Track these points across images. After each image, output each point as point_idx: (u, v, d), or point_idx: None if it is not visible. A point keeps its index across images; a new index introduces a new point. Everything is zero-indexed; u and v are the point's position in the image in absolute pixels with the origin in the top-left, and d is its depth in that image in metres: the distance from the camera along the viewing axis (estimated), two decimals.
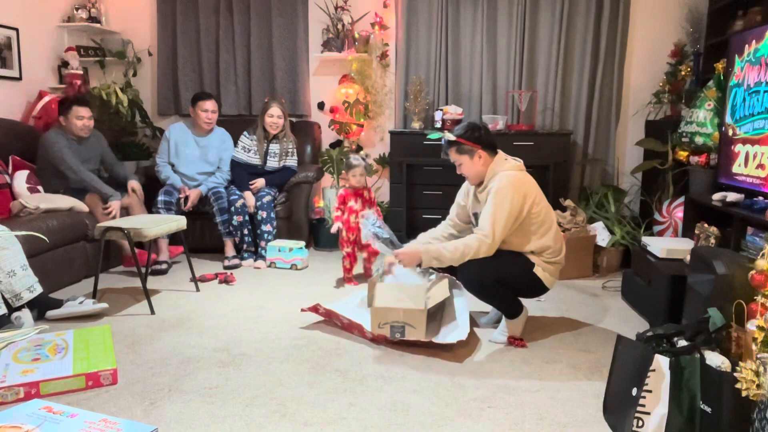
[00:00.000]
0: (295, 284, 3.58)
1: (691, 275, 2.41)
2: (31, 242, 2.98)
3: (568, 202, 3.84)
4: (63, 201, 3.55)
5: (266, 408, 2.05)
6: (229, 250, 4.02)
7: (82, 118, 3.70)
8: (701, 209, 3.25)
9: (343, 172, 3.71)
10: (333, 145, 4.76)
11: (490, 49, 4.53)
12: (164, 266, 3.79)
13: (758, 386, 1.57)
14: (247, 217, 4.00)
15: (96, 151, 3.90)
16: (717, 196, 3.05)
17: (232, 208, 3.97)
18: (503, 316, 2.68)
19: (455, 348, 2.56)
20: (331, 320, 2.87)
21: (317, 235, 4.49)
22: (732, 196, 2.98)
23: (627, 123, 4.60)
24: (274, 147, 4.22)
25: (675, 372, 1.78)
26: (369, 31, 4.60)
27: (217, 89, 4.79)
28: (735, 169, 3.10)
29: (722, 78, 3.44)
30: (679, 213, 3.70)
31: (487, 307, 2.92)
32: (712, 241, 2.86)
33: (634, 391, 1.81)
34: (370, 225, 2.74)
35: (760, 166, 2.85)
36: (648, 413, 1.80)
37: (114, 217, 3.58)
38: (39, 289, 2.82)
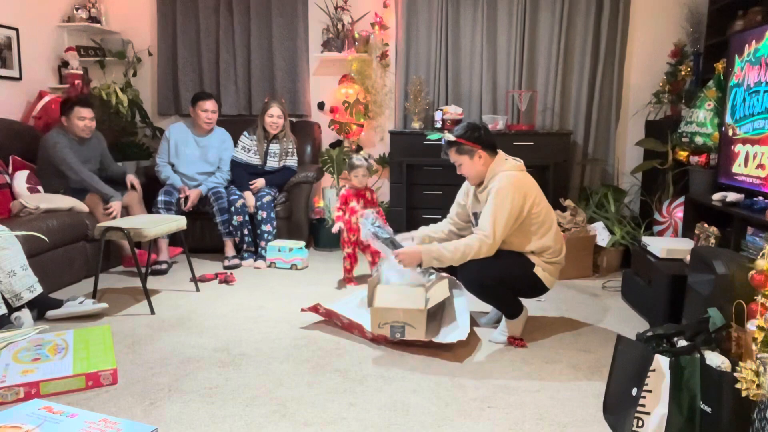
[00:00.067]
0: (295, 284, 3.58)
1: (691, 275, 2.41)
2: (31, 242, 2.98)
3: (568, 202, 3.84)
4: (63, 201, 3.55)
5: (266, 408, 2.05)
6: (229, 250, 4.02)
7: (84, 118, 3.70)
8: (701, 209, 3.26)
9: (345, 172, 3.70)
10: (333, 145, 4.76)
11: (490, 49, 4.53)
12: (164, 266, 3.79)
13: (758, 386, 1.57)
14: (247, 217, 4.00)
15: (97, 151, 3.91)
16: (717, 196, 3.05)
17: (232, 208, 3.97)
18: (503, 316, 2.68)
19: (455, 348, 2.56)
20: (331, 320, 2.87)
21: (317, 235, 4.49)
22: (732, 196, 2.98)
23: (627, 123, 4.60)
24: (274, 147, 4.22)
25: (675, 372, 1.78)
26: (369, 31, 4.60)
27: (217, 89, 4.79)
28: (735, 169, 3.10)
29: (722, 78, 3.44)
30: (679, 213, 3.70)
31: (487, 307, 2.92)
32: (712, 241, 2.86)
33: (634, 391, 1.81)
34: (370, 224, 2.74)
35: (760, 166, 2.85)
36: (648, 413, 1.80)
37: (115, 218, 3.59)
38: (39, 289, 2.82)
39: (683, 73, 4.17)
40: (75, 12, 4.55)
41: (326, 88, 4.79)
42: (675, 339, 1.93)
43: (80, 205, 3.59)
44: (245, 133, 4.25)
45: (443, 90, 4.63)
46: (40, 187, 3.63)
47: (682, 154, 3.75)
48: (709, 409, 1.74)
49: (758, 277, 1.85)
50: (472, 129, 2.64)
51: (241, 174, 4.16)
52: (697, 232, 3.00)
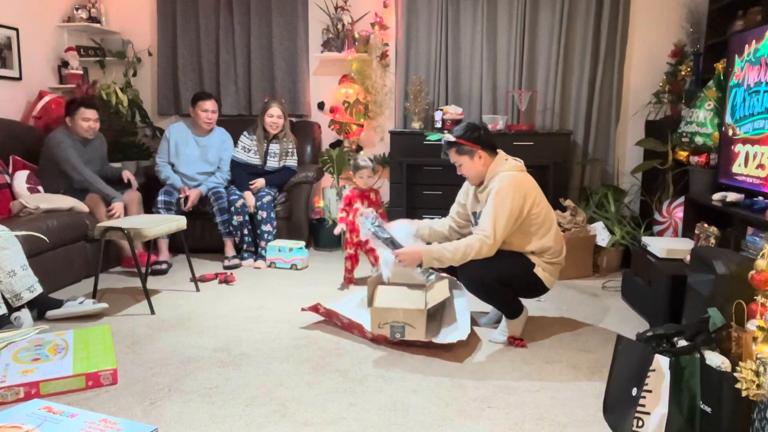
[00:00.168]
0: (295, 284, 3.58)
1: (691, 275, 2.41)
2: (31, 242, 2.98)
3: (568, 202, 3.84)
4: (63, 201, 3.55)
5: (266, 408, 2.05)
6: (229, 250, 4.02)
7: (88, 119, 3.73)
8: (701, 209, 3.25)
9: (350, 172, 3.69)
10: (333, 145, 4.76)
11: (490, 49, 4.53)
12: (164, 266, 3.79)
13: (758, 386, 1.57)
14: (247, 217, 4.00)
15: (99, 152, 3.94)
16: (717, 196, 3.05)
17: (232, 208, 3.97)
18: (503, 316, 2.68)
19: (455, 348, 2.56)
20: (331, 320, 2.87)
21: (317, 235, 4.49)
22: (732, 196, 2.97)
23: (627, 123, 4.60)
24: (274, 147, 4.22)
25: (675, 372, 1.78)
26: (369, 31, 4.60)
27: (217, 89, 4.79)
28: (735, 169, 3.10)
29: (722, 78, 3.43)
30: (679, 213, 3.70)
31: (487, 307, 2.92)
32: (712, 241, 2.86)
33: (634, 391, 1.81)
34: (369, 224, 2.73)
35: (760, 166, 2.85)
36: (648, 413, 1.80)
37: (118, 219, 3.59)
38: (39, 289, 2.82)
39: (683, 73, 4.17)
40: (75, 12, 4.55)
41: (326, 88, 4.79)
42: (675, 339, 1.93)
43: (80, 205, 3.59)
44: (245, 133, 4.25)
45: (443, 90, 4.63)
46: (40, 187, 3.63)
47: (682, 154, 3.74)
48: (709, 409, 1.74)
49: (758, 277, 1.85)
50: (471, 129, 2.64)
51: (241, 174, 4.16)
52: (697, 232, 3.00)
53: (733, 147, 3.13)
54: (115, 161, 4.30)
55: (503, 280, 2.55)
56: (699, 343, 1.87)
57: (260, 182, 4.13)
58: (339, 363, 2.43)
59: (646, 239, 3.23)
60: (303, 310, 2.92)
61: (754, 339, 1.71)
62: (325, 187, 4.73)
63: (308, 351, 2.55)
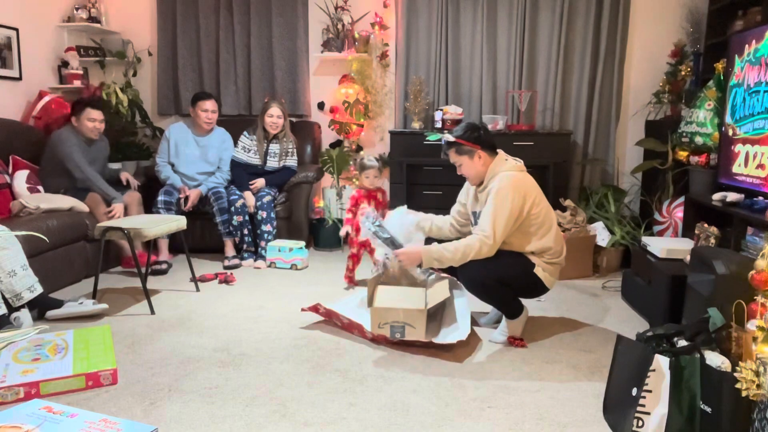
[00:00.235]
0: (295, 284, 3.58)
1: (691, 275, 2.41)
2: (31, 242, 2.98)
3: (568, 202, 3.84)
4: (63, 201, 3.55)
5: (266, 408, 2.05)
6: (229, 250, 4.02)
7: (94, 120, 3.74)
8: (701, 209, 3.25)
9: (352, 172, 3.67)
10: (333, 145, 4.76)
11: (490, 49, 4.53)
12: (164, 266, 3.79)
13: (758, 386, 1.57)
14: (247, 217, 4.00)
15: (102, 153, 3.96)
16: (717, 196, 3.05)
17: (232, 208, 3.97)
18: (503, 316, 2.68)
19: (455, 348, 2.56)
20: (331, 320, 2.87)
21: (317, 235, 4.49)
22: (732, 196, 2.97)
23: (627, 123, 4.60)
24: (274, 147, 4.22)
25: (675, 372, 1.78)
26: (369, 31, 4.60)
27: (217, 89, 4.79)
28: (735, 169, 3.10)
29: (722, 78, 3.44)
30: (679, 213, 3.70)
31: (487, 307, 2.92)
32: (712, 241, 2.86)
33: (634, 391, 1.81)
34: (370, 224, 2.73)
35: (760, 166, 2.85)
36: (648, 413, 1.80)
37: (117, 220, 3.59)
38: (39, 289, 2.82)
39: (683, 73, 4.17)
40: (75, 12, 4.55)
41: (326, 88, 4.79)
42: (675, 339, 1.93)
43: (80, 205, 3.60)
44: (245, 133, 4.25)
45: (443, 90, 4.63)
46: (40, 187, 3.63)
47: (682, 154, 3.75)
48: (709, 409, 1.74)
49: (758, 277, 1.85)
50: (471, 129, 2.64)
51: (241, 174, 4.16)
52: (697, 232, 3.00)
53: (733, 147, 3.13)
54: (115, 161, 4.30)
55: (503, 280, 2.55)
56: (699, 343, 1.87)
57: (260, 182, 4.13)
58: (339, 363, 2.43)
59: (646, 239, 3.23)
60: (303, 310, 2.92)
61: (754, 339, 1.71)
62: (325, 187, 4.73)
63: (308, 351, 2.55)
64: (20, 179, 3.55)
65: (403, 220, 2.79)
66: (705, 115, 3.53)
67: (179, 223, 3.31)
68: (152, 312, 3.00)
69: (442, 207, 2.96)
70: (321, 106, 4.83)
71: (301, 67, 4.72)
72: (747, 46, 3.02)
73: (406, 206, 2.92)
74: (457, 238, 2.58)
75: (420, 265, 2.56)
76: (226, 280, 3.57)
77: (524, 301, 2.69)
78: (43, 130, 4.05)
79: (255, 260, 3.99)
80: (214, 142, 4.20)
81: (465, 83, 4.63)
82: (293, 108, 4.72)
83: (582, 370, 2.38)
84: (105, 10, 4.72)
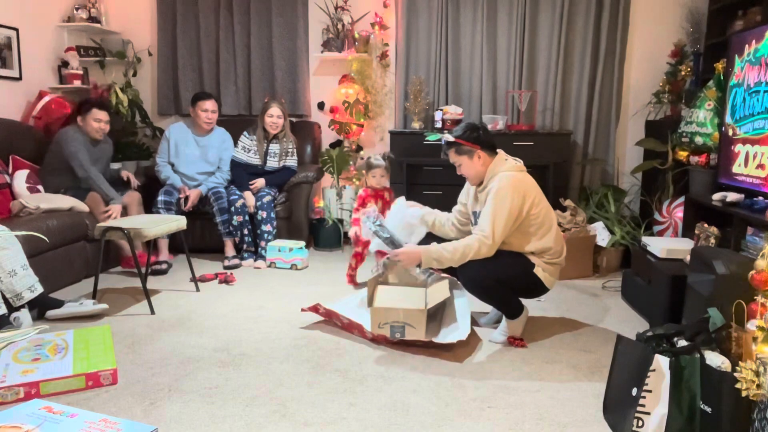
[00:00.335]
0: (295, 284, 3.58)
1: (691, 275, 2.41)
2: (31, 242, 2.98)
3: (568, 202, 3.84)
4: (63, 201, 3.55)
5: (266, 408, 2.05)
6: (229, 250, 4.02)
7: (99, 121, 3.76)
8: (701, 209, 3.25)
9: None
10: (333, 145, 4.76)
11: (490, 49, 4.53)
12: (164, 266, 3.79)
13: (758, 386, 1.57)
14: (247, 217, 4.00)
15: (106, 154, 3.97)
16: (717, 196, 3.05)
17: (232, 208, 3.97)
18: (503, 316, 2.68)
19: (455, 348, 2.56)
20: (331, 320, 2.87)
21: (317, 235, 4.49)
22: (732, 196, 2.97)
23: (627, 123, 4.60)
24: (274, 147, 4.22)
25: (675, 372, 1.78)
26: (369, 31, 4.60)
27: (217, 89, 4.79)
28: (735, 169, 3.10)
29: (722, 78, 3.44)
30: (679, 213, 3.70)
31: (487, 307, 2.92)
32: (712, 241, 2.86)
33: (634, 391, 1.81)
34: (371, 223, 2.73)
35: (760, 166, 2.85)
36: (648, 413, 1.80)
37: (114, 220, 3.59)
38: (39, 289, 2.82)
39: (683, 73, 4.17)
40: (75, 12, 4.55)
41: (326, 88, 4.79)
42: (675, 339, 1.93)
43: (80, 205, 3.60)
44: (245, 133, 4.25)
45: (443, 90, 4.63)
46: (40, 187, 3.63)
47: (682, 154, 3.75)
48: (709, 409, 1.74)
49: (758, 277, 1.85)
50: (471, 129, 2.64)
51: (241, 174, 4.16)
52: (697, 232, 3.00)
53: (733, 147, 3.13)
54: (115, 161, 4.30)
55: (503, 280, 2.55)
56: (699, 343, 1.87)
57: (260, 182, 4.13)
58: (339, 363, 2.43)
59: (646, 239, 3.23)
60: (303, 310, 2.92)
61: (754, 339, 1.71)
62: (325, 187, 4.73)
63: (308, 351, 2.55)
64: (20, 179, 3.55)
65: (403, 213, 2.79)
66: (705, 115, 3.53)
67: (179, 223, 3.31)
68: (152, 312, 3.00)
69: (442, 207, 2.96)
70: (321, 106, 4.83)
71: (301, 67, 4.72)
72: (747, 46, 3.02)
73: (404, 197, 2.92)
74: (458, 238, 2.58)
75: (419, 265, 2.56)
76: (226, 280, 3.57)
77: (524, 301, 2.69)
78: (43, 130, 4.05)
79: (255, 260, 3.99)
80: (214, 142, 4.20)
81: (465, 83, 4.63)
82: (293, 108, 4.72)
83: (582, 370, 2.38)
84: (105, 10, 4.72)
